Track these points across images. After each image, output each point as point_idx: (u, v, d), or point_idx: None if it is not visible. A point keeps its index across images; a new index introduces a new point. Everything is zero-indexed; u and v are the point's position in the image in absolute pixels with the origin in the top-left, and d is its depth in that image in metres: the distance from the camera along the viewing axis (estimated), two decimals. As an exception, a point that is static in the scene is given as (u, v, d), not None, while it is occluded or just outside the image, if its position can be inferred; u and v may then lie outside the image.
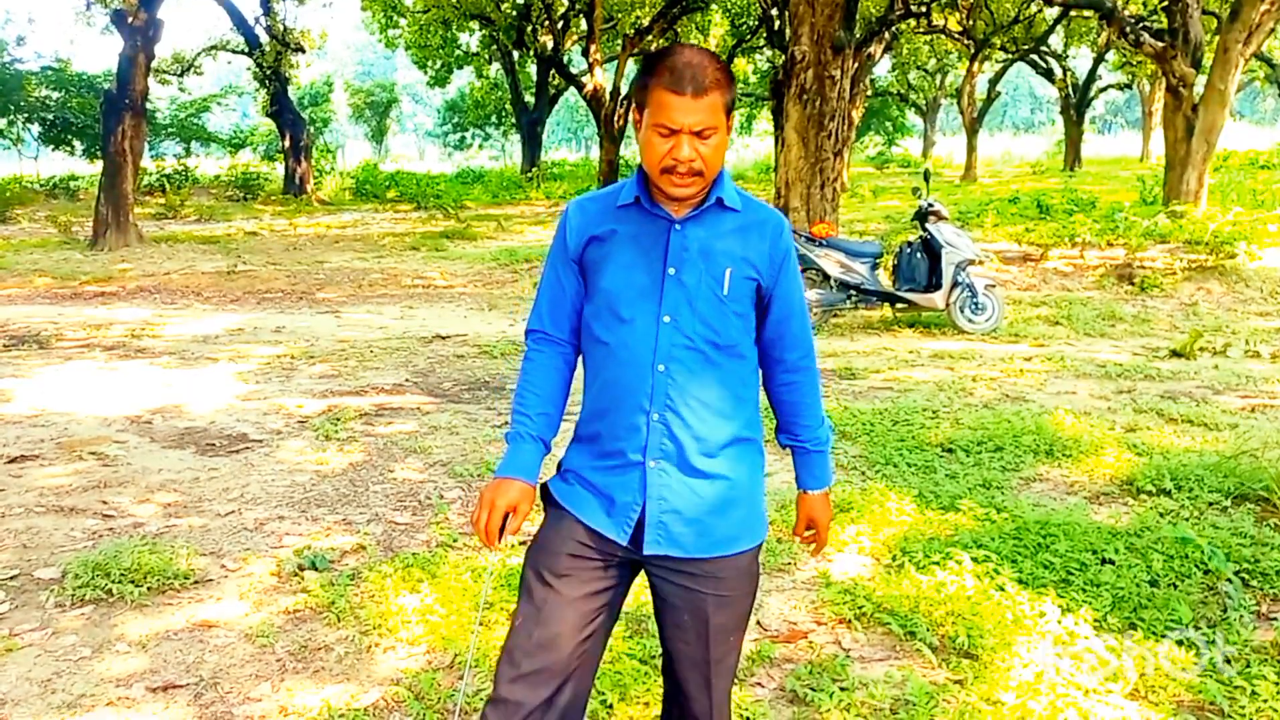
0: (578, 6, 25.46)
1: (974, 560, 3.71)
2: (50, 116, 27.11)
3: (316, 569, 3.92)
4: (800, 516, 2.20)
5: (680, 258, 1.95)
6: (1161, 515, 4.32)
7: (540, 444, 2.08)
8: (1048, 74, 31.65)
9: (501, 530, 2.02)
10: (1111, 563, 3.75)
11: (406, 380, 7.30)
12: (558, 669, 1.98)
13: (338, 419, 6.09)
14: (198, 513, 4.59)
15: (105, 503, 4.71)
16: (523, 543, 4.15)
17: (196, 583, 3.83)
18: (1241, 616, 3.38)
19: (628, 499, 1.98)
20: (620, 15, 26.44)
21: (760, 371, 2.11)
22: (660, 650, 2.15)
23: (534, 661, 1.97)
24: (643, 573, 2.09)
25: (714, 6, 26.42)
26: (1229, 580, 3.56)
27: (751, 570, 2.06)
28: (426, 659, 3.24)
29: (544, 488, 2.12)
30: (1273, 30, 14.27)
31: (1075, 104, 31.65)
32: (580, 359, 2.14)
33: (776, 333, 2.06)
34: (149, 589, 3.72)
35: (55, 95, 27.05)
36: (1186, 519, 4.27)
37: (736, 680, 3.05)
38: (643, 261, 1.96)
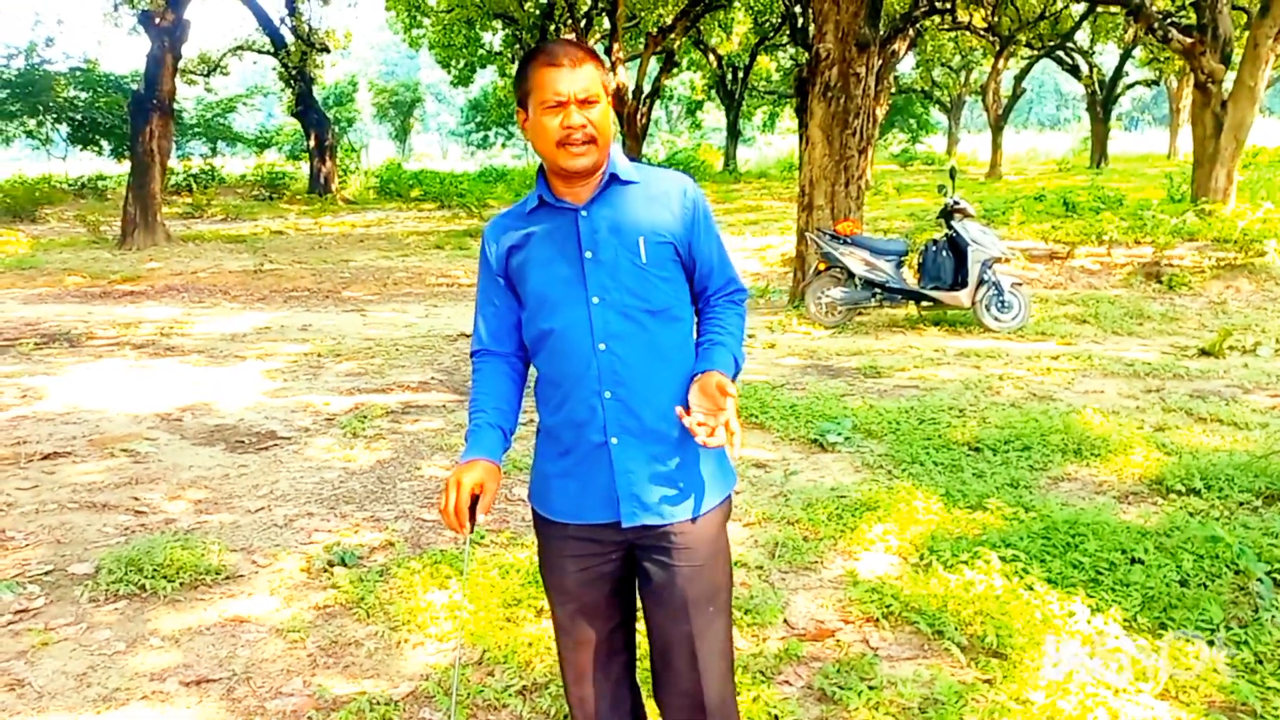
0: (600, 5, 25.48)
1: (1002, 559, 3.70)
2: (78, 117, 27.38)
3: (346, 565, 3.96)
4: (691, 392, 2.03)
5: (593, 240, 2.01)
6: (1191, 515, 4.28)
7: (499, 430, 2.12)
8: (1074, 70, 31.39)
9: (472, 514, 2.04)
10: (1141, 562, 3.73)
11: (432, 378, 7.35)
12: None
13: (365, 416, 6.13)
14: (228, 509, 4.64)
15: (137, 499, 4.77)
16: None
17: (228, 578, 3.87)
18: (1273, 616, 3.35)
19: (600, 479, 2.03)
20: (643, 14, 26.46)
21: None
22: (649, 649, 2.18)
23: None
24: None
25: (737, 4, 26.40)
26: (1260, 580, 3.52)
27: (719, 539, 2.11)
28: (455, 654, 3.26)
29: (533, 511, 2.20)
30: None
31: (1102, 100, 31.39)
32: (530, 370, 2.19)
33: (701, 283, 2.13)
34: (181, 584, 3.77)
35: (83, 95, 27.32)
36: (1216, 518, 4.23)
37: (764, 678, 3.06)
38: (560, 254, 2.03)
